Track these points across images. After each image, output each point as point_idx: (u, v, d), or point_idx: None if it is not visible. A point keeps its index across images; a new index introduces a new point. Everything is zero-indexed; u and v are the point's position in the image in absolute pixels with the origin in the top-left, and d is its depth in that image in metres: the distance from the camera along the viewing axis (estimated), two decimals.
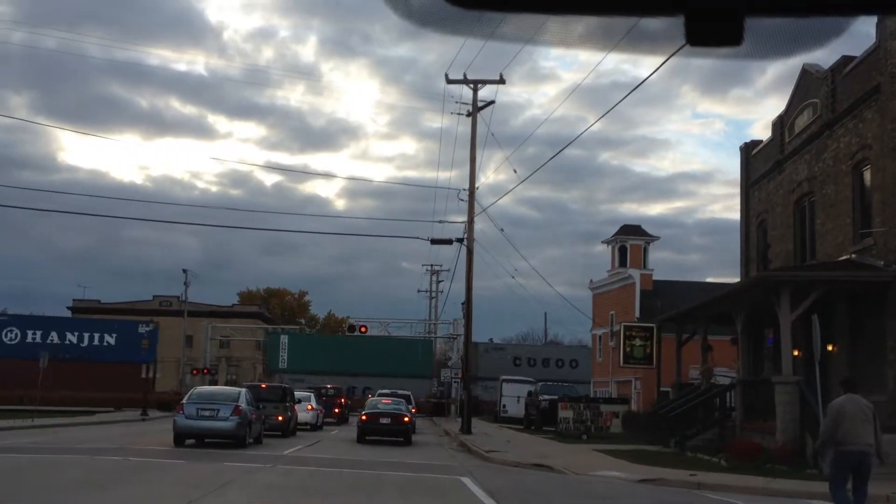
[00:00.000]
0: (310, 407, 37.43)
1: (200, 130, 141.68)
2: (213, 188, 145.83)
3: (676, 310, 31.84)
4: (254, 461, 19.77)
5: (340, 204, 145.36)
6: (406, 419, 30.04)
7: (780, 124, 29.88)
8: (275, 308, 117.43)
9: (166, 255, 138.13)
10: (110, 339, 60.98)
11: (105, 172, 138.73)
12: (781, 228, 29.36)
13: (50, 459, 18.74)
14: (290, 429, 31.68)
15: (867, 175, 23.62)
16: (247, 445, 24.49)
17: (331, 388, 48.19)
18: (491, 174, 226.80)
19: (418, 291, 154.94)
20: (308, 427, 36.85)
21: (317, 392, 42.98)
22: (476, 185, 42.26)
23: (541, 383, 47.19)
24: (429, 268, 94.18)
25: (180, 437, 24.46)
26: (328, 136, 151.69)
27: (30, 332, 60.26)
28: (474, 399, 47.28)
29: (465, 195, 42.14)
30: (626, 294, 50.83)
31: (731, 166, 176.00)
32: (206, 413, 24.26)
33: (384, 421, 29.76)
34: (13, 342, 59.41)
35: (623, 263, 51.94)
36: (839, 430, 12.30)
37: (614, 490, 16.84)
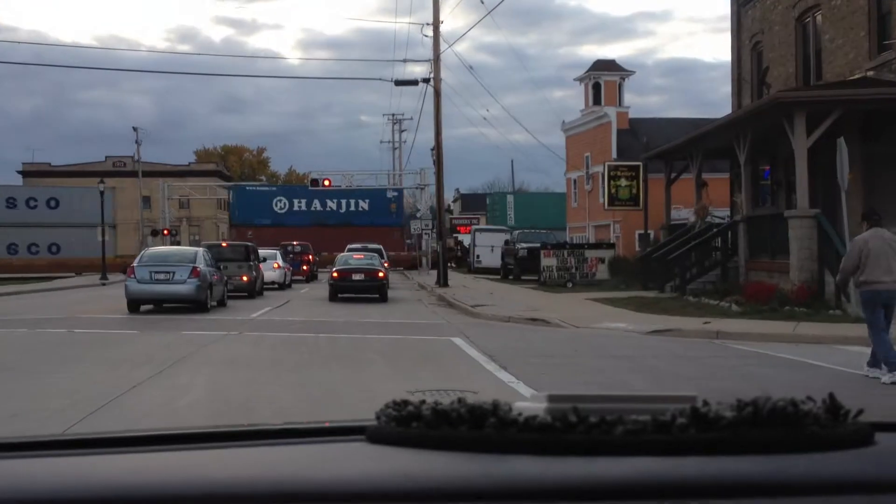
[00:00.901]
0: (276, 265, 35.21)
1: None
2: (161, 44, 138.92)
3: (665, 145, 29.50)
4: (217, 328, 17.60)
5: (294, 56, 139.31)
6: (380, 274, 27.92)
7: None
8: (233, 166, 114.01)
9: (118, 117, 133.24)
10: (364, 205, 64.99)
11: (46, 33, 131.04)
12: (781, 49, 26.78)
13: None
14: (256, 289, 29.54)
15: None
16: (209, 309, 22.33)
17: (297, 244, 45.92)
18: (448, 17, 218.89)
19: (381, 142, 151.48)
20: (276, 286, 34.77)
21: (283, 249, 40.73)
22: (440, 20, 39.04)
23: (517, 231, 45.25)
24: (391, 117, 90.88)
25: (134, 304, 22.21)
26: None
27: (296, 201, 65.32)
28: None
29: (429, 30, 38.85)
30: (601, 134, 48.35)
31: (691, 2, 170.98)
32: (161, 276, 21.91)
33: (357, 277, 27.64)
34: (282, 211, 64.13)
35: (597, 101, 49.15)
36: (865, 269, 10.78)
37: (627, 345, 14.90)
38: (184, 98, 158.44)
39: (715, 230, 25.15)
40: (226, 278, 25.58)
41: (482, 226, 57.51)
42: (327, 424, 1.45)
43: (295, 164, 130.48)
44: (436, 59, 38.33)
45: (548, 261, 32.24)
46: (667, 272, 25.39)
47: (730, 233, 24.47)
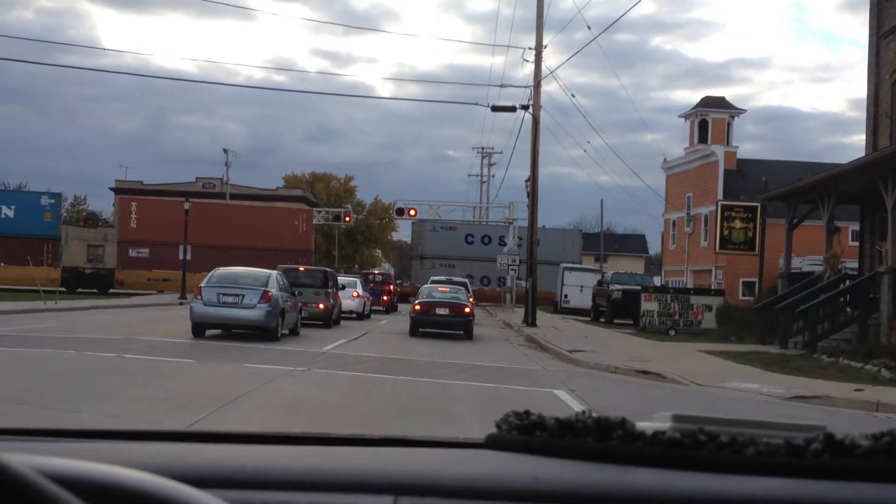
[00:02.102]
0: (356, 294, 33.28)
1: (243, 13, 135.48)
2: (258, 74, 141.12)
3: (788, 185, 26.58)
4: (283, 361, 15.52)
5: (386, 90, 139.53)
6: (467, 310, 25.64)
7: None
8: (320, 193, 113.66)
9: (212, 142, 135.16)
10: None
11: (149, 58, 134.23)
12: None
13: (25, 354, 14.66)
14: (332, 318, 27.55)
15: None
16: (279, 339, 20.34)
17: (378, 273, 43.98)
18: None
19: (469, 175, 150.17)
20: (354, 316, 32.86)
21: (364, 278, 38.84)
22: (543, 44, 36.91)
23: (612, 272, 42.50)
24: (480, 150, 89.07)
25: (199, 327, 20.40)
26: (371, 19, 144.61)
27: None
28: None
29: (530, 55, 36.74)
30: (707, 173, 45.38)
31: (790, 51, 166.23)
32: (229, 299, 20.04)
33: (441, 312, 25.42)
34: None
35: (703, 139, 46.25)
36: None
37: (768, 412, 12.21)
38: (275, 126, 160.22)
39: (851, 282, 22.13)
40: (300, 305, 23.63)
41: (571, 264, 54.76)
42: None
43: (381, 193, 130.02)
44: (536, 86, 36.14)
45: (648, 305, 29.50)
46: (789, 326, 22.47)
47: (868, 286, 21.44)
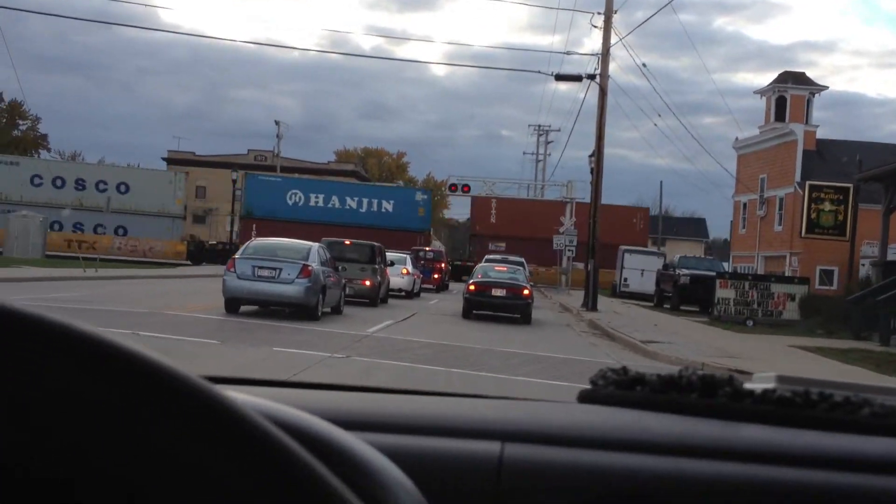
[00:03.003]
0: (405, 271, 31.29)
1: None
2: (312, 50, 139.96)
3: (888, 164, 23.88)
4: (320, 345, 13.53)
5: (441, 68, 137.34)
6: (525, 292, 23.46)
7: None
8: (372, 168, 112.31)
9: (265, 116, 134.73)
10: None
11: (204, 31, 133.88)
12: None
13: None
14: (379, 296, 25.57)
15: None
16: (319, 318, 18.40)
17: (430, 250, 41.92)
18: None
19: (524, 153, 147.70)
20: (402, 294, 30.89)
21: (414, 254, 36.83)
22: (613, 9, 34.37)
23: (678, 256, 39.95)
24: (536, 128, 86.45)
25: (232, 303, 18.52)
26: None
27: None
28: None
29: (598, 20, 34.23)
30: (784, 153, 42.43)
31: (857, 34, 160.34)
32: (265, 273, 18.10)
33: (497, 293, 23.29)
34: None
35: (780, 117, 43.26)
36: None
37: None
38: (329, 102, 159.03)
39: None
40: (344, 281, 21.67)
41: (632, 246, 52.22)
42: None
43: (434, 171, 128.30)
44: (604, 54, 33.63)
45: (724, 292, 27.00)
46: (890, 320, 19.96)
47: None
